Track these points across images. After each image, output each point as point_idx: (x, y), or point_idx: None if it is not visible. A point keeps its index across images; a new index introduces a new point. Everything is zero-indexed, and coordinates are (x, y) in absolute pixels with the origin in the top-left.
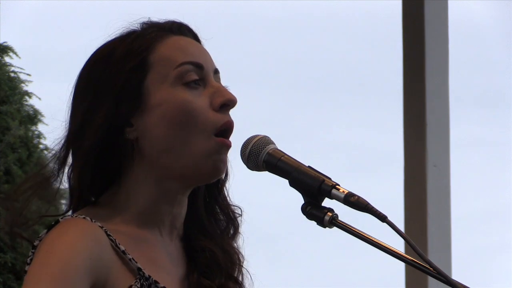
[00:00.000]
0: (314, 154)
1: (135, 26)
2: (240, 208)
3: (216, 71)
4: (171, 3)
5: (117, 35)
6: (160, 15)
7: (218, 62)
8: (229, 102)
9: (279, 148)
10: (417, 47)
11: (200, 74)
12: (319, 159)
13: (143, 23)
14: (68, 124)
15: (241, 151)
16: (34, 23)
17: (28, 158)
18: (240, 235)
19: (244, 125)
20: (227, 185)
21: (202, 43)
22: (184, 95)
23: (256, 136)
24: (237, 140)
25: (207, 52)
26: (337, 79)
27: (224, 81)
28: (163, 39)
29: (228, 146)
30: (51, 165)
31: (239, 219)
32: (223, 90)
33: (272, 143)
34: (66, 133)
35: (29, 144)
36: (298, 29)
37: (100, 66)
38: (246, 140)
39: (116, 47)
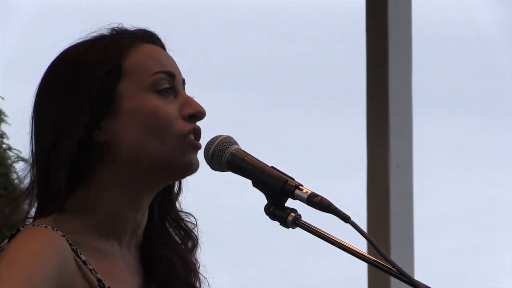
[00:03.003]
0: (278, 155)
1: (105, 31)
2: (194, 217)
3: (184, 82)
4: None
5: (85, 40)
6: (155, 15)
7: (184, 65)
8: (198, 114)
9: (242, 148)
10: (380, 49)
11: (172, 83)
12: (283, 161)
13: (113, 29)
14: (35, 135)
15: (204, 151)
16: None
17: None
18: (199, 247)
19: (209, 126)
20: (180, 198)
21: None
22: (156, 102)
23: (219, 136)
24: (201, 140)
25: (176, 62)
26: (301, 82)
27: (190, 83)
28: (136, 46)
29: (197, 147)
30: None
31: (195, 230)
32: (193, 102)
33: (236, 143)
34: (35, 145)
35: None
36: (262, 31)
37: (70, 71)
38: (210, 140)
39: (86, 51)
